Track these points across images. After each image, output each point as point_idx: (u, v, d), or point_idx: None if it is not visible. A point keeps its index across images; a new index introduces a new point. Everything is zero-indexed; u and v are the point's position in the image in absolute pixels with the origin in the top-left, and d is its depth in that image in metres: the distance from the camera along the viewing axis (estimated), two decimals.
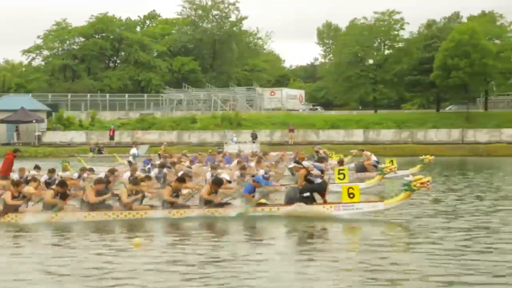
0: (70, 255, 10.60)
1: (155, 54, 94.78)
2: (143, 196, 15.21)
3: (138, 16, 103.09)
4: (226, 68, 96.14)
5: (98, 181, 15.13)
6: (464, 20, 77.17)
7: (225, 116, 61.95)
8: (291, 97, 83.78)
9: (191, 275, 8.99)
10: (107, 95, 79.63)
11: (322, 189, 15.07)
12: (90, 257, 10.33)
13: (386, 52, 66.95)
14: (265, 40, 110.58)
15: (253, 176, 16.98)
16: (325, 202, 14.91)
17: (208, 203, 14.86)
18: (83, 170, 19.59)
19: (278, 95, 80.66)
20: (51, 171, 18.54)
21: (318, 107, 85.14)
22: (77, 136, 59.30)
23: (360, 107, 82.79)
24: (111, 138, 56.24)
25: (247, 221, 14.13)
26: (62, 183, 14.95)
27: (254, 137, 54.27)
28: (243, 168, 20.10)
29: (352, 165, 27.23)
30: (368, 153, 27.97)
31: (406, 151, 49.67)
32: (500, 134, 56.59)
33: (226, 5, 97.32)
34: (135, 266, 9.49)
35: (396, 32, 66.39)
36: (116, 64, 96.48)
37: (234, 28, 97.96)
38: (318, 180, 15.14)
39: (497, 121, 60.11)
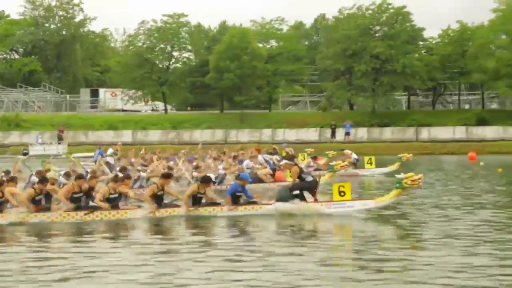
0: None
1: None
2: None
3: None
4: (72, 69, 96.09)
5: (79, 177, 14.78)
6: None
7: (5, 117, 62.23)
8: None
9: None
10: None
11: (312, 187, 14.79)
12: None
13: (176, 54, 68.25)
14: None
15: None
16: (316, 200, 14.66)
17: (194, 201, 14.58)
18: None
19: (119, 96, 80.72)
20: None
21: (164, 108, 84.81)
22: None
23: (188, 108, 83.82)
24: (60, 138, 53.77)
25: (235, 219, 13.81)
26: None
27: (60, 137, 54.12)
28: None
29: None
30: (348, 151, 28.43)
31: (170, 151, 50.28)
32: (260, 134, 58.74)
33: (71, 6, 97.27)
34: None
35: (185, 34, 67.87)
36: None
37: (82, 30, 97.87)
38: (309, 178, 14.92)
39: (269, 121, 62.32)
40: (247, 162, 23.68)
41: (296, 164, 15.43)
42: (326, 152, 29.61)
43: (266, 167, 23.29)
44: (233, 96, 65.83)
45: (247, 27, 66.99)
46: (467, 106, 70.24)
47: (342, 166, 19.30)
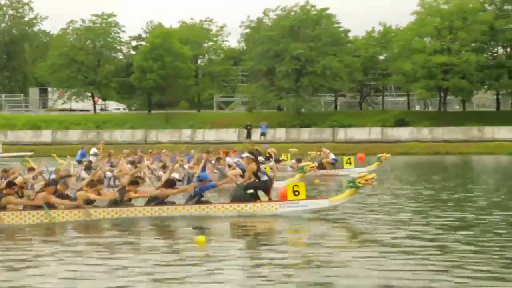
0: None
1: None
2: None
3: None
4: (22, 68, 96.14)
5: (48, 184, 14.42)
6: None
7: None
8: None
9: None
10: None
11: (267, 187, 14.75)
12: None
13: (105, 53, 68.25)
14: None
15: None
16: (270, 199, 14.56)
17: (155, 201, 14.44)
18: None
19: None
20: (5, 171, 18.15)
21: (120, 107, 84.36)
22: None
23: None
24: None
25: (190, 220, 13.73)
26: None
27: None
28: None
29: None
30: (327, 150, 28.23)
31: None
32: (180, 134, 59.09)
33: (21, 5, 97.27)
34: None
35: (117, 35, 68.21)
36: None
37: (32, 29, 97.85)
38: (264, 178, 14.84)
39: (194, 122, 62.62)
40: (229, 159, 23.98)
41: (255, 161, 15.31)
42: (309, 153, 30.05)
43: (235, 168, 23.04)
44: (158, 96, 66.03)
45: (172, 27, 67.21)
46: (396, 107, 70.91)
47: (311, 167, 19.54)
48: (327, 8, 62.62)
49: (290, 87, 61.73)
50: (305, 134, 58.07)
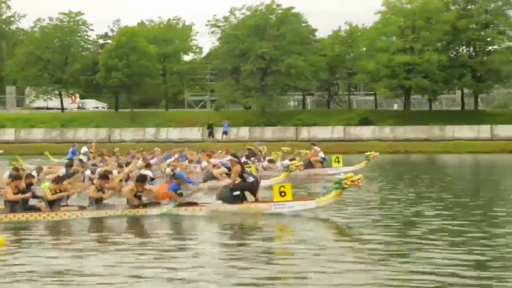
0: None
1: None
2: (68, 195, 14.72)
3: None
4: None
5: (15, 177, 14.41)
6: None
7: None
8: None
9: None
10: None
11: (253, 188, 14.74)
12: None
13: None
14: None
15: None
16: (257, 200, 14.58)
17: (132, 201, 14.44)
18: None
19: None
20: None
21: (99, 105, 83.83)
22: None
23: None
24: None
25: (171, 220, 13.71)
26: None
27: None
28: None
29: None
30: (318, 149, 27.95)
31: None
32: (144, 133, 59.05)
33: None
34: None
35: (85, 33, 68.10)
36: None
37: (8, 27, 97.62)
38: (251, 179, 14.80)
39: (159, 120, 62.60)
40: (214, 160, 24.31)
41: (239, 163, 15.37)
42: (300, 151, 30.04)
43: (220, 167, 22.97)
44: (125, 94, 66.00)
45: (138, 26, 67.13)
46: (367, 106, 71.13)
47: (297, 166, 19.44)
48: (292, 7, 62.85)
49: (255, 86, 61.86)
50: (269, 132, 58.17)
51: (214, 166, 22.98)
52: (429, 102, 66.55)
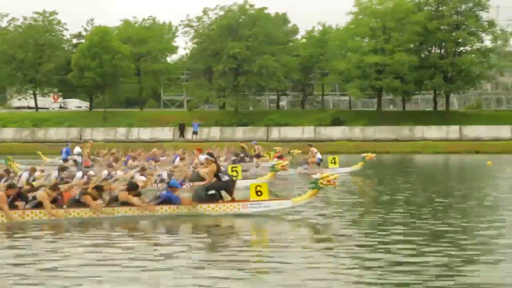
0: None
1: None
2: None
3: None
4: None
5: (10, 186, 13.75)
6: None
7: None
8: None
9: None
10: None
11: (229, 187, 14.64)
12: None
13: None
14: None
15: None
16: (233, 200, 14.50)
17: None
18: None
19: None
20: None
21: (82, 105, 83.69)
22: None
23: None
24: None
25: (153, 220, 13.55)
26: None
27: None
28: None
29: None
30: (314, 150, 27.74)
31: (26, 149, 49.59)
32: (115, 133, 59.03)
33: None
34: None
35: (59, 33, 67.85)
36: None
37: None
38: (225, 178, 14.72)
39: (132, 120, 62.59)
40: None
41: (215, 162, 15.27)
42: (292, 151, 30.07)
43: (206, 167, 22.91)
44: (96, 94, 66.00)
45: (111, 26, 67.14)
46: (344, 106, 71.36)
47: (283, 166, 19.26)
48: (265, 8, 62.97)
49: (227, 86, 61.92)
50: (240, 132, 58.24)
51: (202, 164, 22.69)
52: (402, 102, 66.80)
